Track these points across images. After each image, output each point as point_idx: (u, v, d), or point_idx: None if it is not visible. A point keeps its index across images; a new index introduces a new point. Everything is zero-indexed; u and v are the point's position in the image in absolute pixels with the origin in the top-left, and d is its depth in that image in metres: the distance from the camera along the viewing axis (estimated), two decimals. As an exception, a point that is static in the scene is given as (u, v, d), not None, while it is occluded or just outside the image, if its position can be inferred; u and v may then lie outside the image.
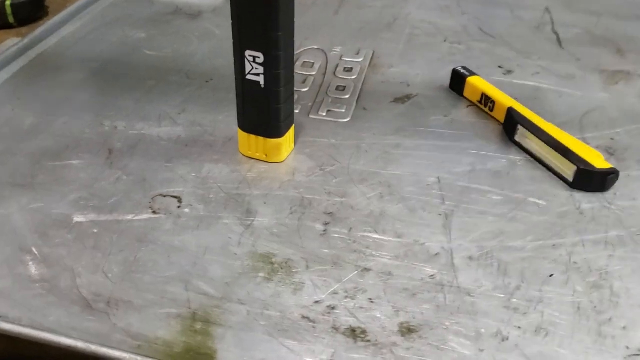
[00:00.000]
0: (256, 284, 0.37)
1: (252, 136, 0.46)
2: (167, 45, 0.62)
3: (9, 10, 0.72)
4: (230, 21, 0.41)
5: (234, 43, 0.42)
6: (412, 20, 0.68)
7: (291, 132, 0.47)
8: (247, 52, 0.42)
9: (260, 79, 0.42)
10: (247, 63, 0.42)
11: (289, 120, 0.46)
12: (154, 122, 0.50)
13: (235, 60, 0.43)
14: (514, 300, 0.36)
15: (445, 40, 0.64)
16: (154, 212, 0.41)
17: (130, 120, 0.50)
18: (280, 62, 0.42)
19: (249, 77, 0.43)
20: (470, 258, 0.39)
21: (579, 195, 0.44)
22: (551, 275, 0.38)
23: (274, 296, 0.36)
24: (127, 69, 0.58)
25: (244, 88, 0.43)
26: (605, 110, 0.53)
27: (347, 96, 0.55)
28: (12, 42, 0.64)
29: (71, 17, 0.67)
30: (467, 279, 0.37)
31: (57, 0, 0.80)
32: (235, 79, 0.44)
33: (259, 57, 0.41)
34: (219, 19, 0.69)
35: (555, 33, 0.66)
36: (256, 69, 0.42)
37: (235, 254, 0.39)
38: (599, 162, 0.44)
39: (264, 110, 0.44)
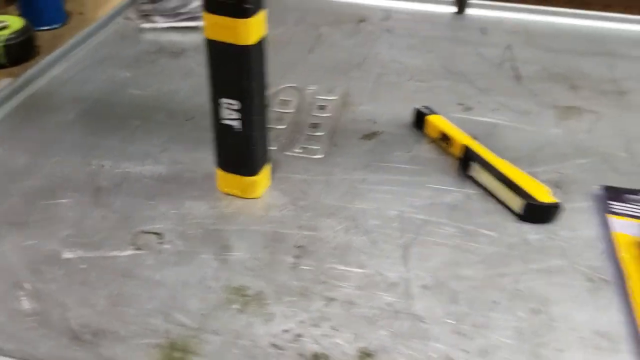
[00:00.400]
0: (230, 315, 0.40)
1: (229, 174, 0.50)
2: (152, 83, 0.66)
3: (1, 50, 0.76)
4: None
5: (210, 91, 0.46)
6: (381, 60, 0.73)
7: (267, 170, 0.51)
8: (223, 100, 0.46)
9: (235, 123, 0.46)
10: (222, 109, 0.46)
11: (264, 159, 0.50)
12: (138, 161, 0.54)
13: (211, 107, 0.47)
14: (463, 325, 0.40)
15: (411, 79, 0.69)
16: (137, 248, 0.45)
17: (116, 160, 0.54)
18: (253, 109, 0.46)
19: (224, 121, 0.47)
20: (425, 287, 0.43)
21: (526, 227, 0.48)
22: (496, 302, 0.42)
23: (246, 326, 0.40)
24: (113, 108, 0.62)
25: (220, 131, 0.47)
26: (557, 145, 0.58)
27: (320, 133, 0.59)
28: (5, 82, 0.68)
29: (61, 56, 0.71)
30: (422, 307, 0.41)
31: (47, 39, 0.84)
32: (212, 123, 0.48)
33: (233, 105, 0.46)
34: (201, 56, 0.73)
35: (515, 70, 0.71)
36: (231, 114, 0.46)
37: (211, 287, 0.42)
38: (545, 196, 0.48)
39: (239, 151, 0.48)
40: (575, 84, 0.68)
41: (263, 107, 0.47)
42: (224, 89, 0.45)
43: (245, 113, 0.46)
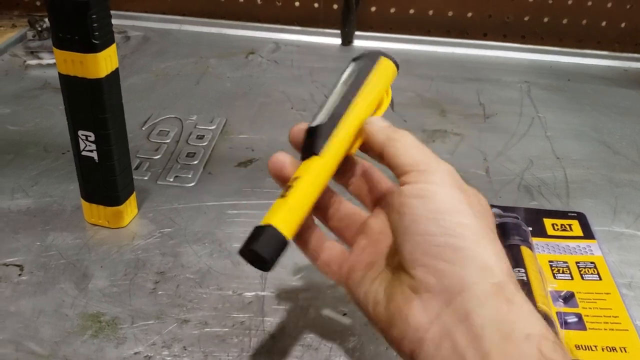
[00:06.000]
0: (82, 341, 0.41)
1: (94, 205, 0.50)
2: (30, 119, 0.66)
3: None
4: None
5: (68, 123, 0.47)
6: (266, 90, 0.76)
7: (132, 199, 0.52)
8: (80, 132, 0.47)
9: (94, 155, 0.48)
10: (80, 141, 0.47)
11: (128, 189, 0.51)
12: (7, 195, 0.54)
13: (70, 138, 0.48)
14: (308, 337, 0.42)
15: (292, 108, 0.72)
16: (-7, 281, 0.45)
17: (-17, 195, 0.54)
18: (110, 140, 0.47)
19: (84, 153, 0.48)
20: (279, 304, 0.45)
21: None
22: (344, 314, 0.44)
23: (97, 351, 0.40)
24: (-12, 144, 0.62)
25: (81, 163, 0.48)
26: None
27: (195, 162, 0.61)
28: None
29: (-61, 94, 0.70)
30: (273, 323, 0.43)
31: None
32: (73, 154, 0.49)
33: (90, 136, 0.47)
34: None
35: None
36: (89, 146, 0.47)
37: (67, 315, 0.43)
38: None
39: (101, 182, 0.49)
40: (445, 108, 0.73)
41: (121, 137, 0.48)
42: (80, 121, 0.46)
43: (101, 144, 0.47)
